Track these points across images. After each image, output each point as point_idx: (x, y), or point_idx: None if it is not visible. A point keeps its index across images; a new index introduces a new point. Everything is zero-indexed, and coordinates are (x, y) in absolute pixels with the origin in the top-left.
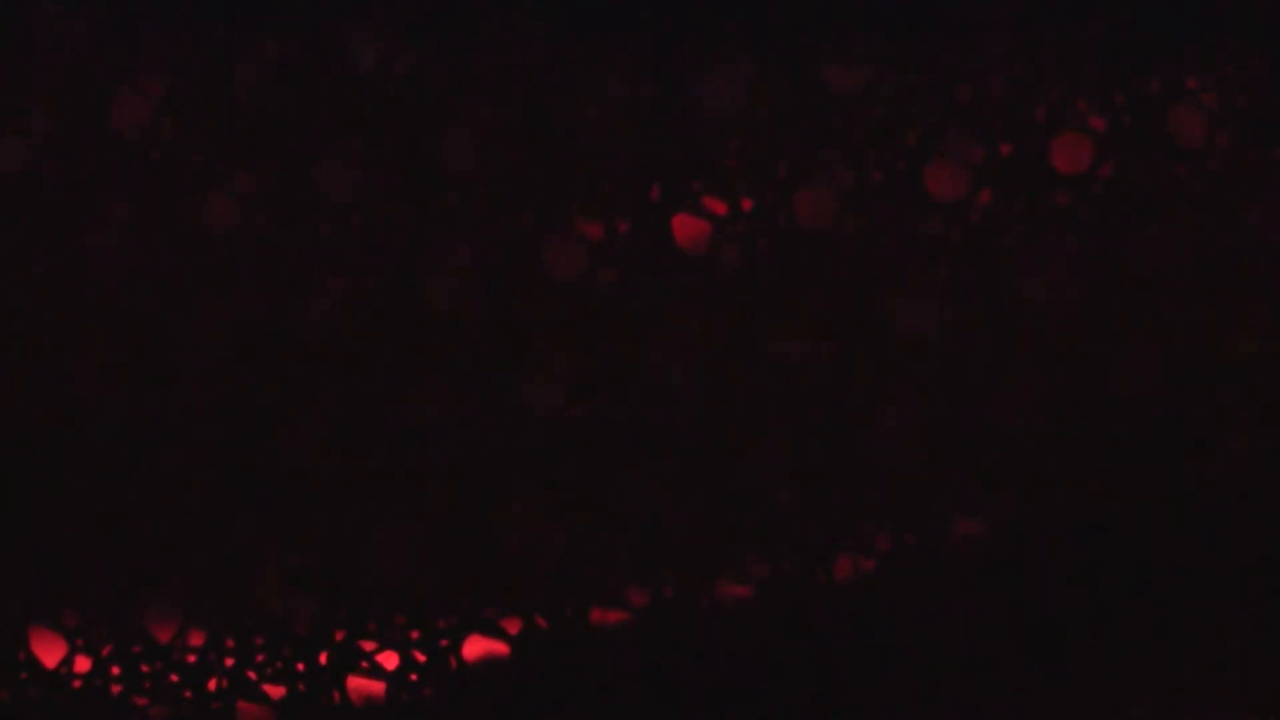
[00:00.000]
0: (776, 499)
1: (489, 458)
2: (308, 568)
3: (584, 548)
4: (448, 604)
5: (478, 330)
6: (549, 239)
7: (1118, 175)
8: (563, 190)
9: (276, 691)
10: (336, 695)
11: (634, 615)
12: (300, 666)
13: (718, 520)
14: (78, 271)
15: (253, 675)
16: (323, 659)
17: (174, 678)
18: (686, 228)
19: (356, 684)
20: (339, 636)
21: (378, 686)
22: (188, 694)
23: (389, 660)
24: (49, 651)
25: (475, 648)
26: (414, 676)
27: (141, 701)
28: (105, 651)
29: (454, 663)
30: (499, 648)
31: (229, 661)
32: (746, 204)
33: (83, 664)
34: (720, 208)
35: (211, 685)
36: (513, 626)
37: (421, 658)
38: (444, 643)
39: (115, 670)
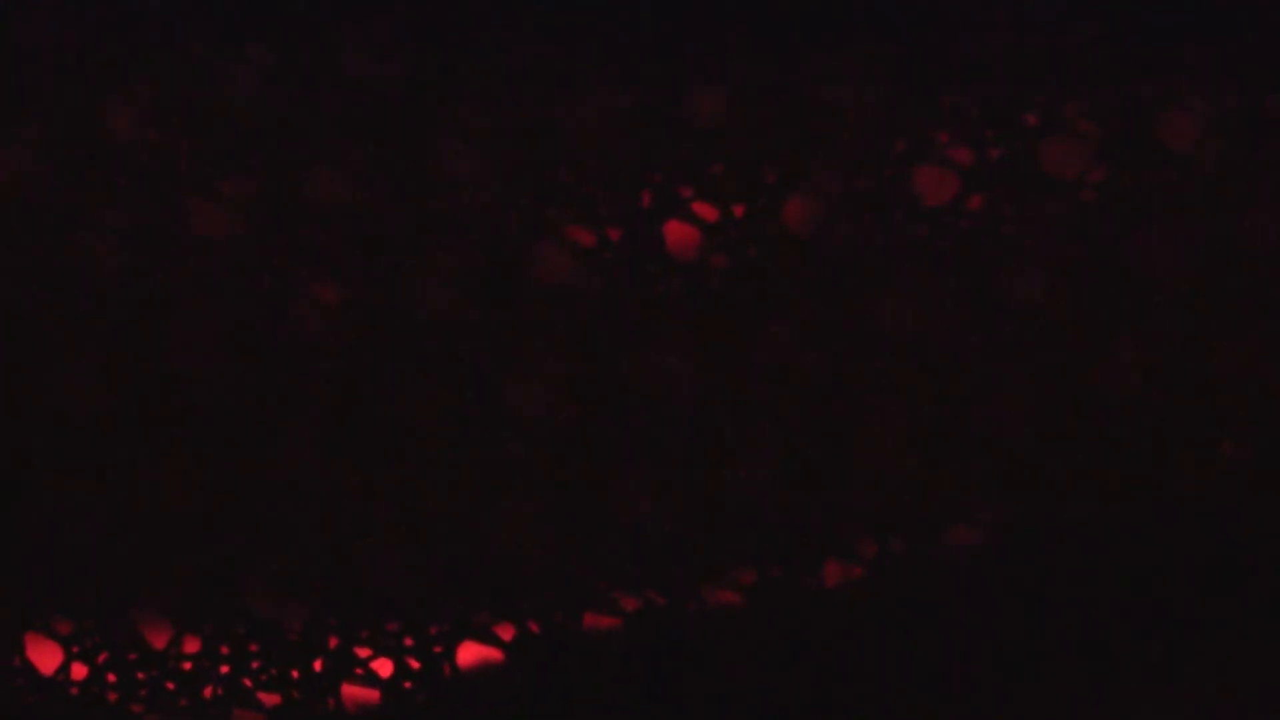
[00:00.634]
0: (766, 505)
1: (480, 463)
2: (301, 575)
3: (575, 553)
4: (441, 610)
5: (468, 336)
6: (539, 245)
7: (1109, 180)
8: (553, 197)
9: (271, 699)
10: (331, 702)
11: (626, 621)
12: (294, 674)
13: (708, 526)
14: (69, 277)
15: (248, 683)
16: (317, 666)
17: (169, 685)
18: (677, 234)
19: (351, 691)
20: (333, 644)
21: (372, 694)
22: (183, 701)
23: (383, 667)
24: (45, 659)
25: (469, 654)
26: (408, 683)
27: (137, 709)
28: (101, 659)
29: (448, 669)
30: (493, 654)
31: (224, 669)
32: (738, 210)
33: (79, 671)
34: (711, 214)
35: (207, 693)
36: (506, 632)
37: (415, 664)
38: (438, 649)
39: (111, 678)
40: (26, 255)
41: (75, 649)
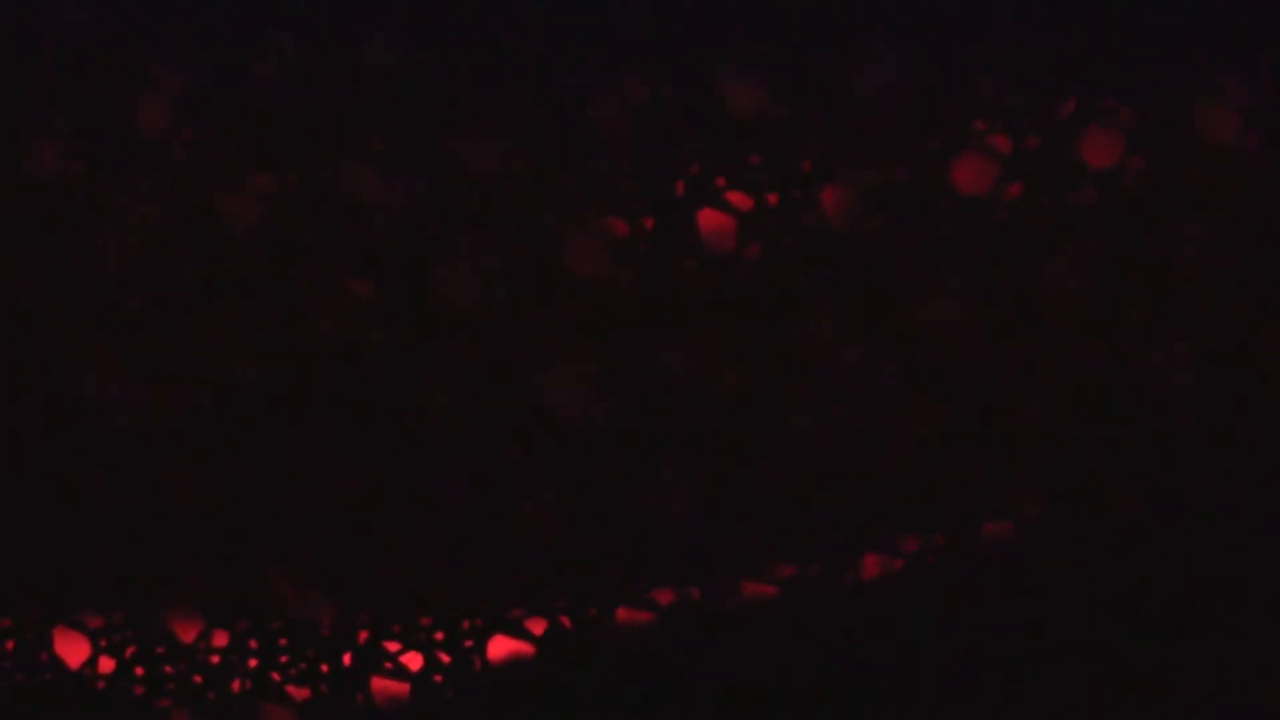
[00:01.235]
0: (802, 499)
1: (513, 457)
2: (331, 569)
3: (609, 548)
4: (472, 605)
5: (499, 329)
6: (571, 237)
7: (1148, 170)
8: (585, 188)
9: (300, 693)
10: (360, 697)
11: (659, 616)
12: (324, 668)
13: (743, 520)
14: (97, 272)
15: (276, 677)
16: (346, 660)
17: (197, 679)
18: (711, 225)
19: (380, 685)
20: (362, 638)
21: (402, 688)
22: (210, 695)
23: (413, 661)
24: (72, 652)
25: (500, 648)
26: (438, 678)
27: (165, 703)
28: (129, 653)
29: (478, 664)
30: (524, 648)
31: (252, 663)
32: (772, 199)
33: (106, 665)
34: (745, 204)
35: (235, 687)
36: (537, 627)
37: (446, 659)
38: (468, 643)
39: (139, 671)
40: (55, 249)
41: (103, 643)
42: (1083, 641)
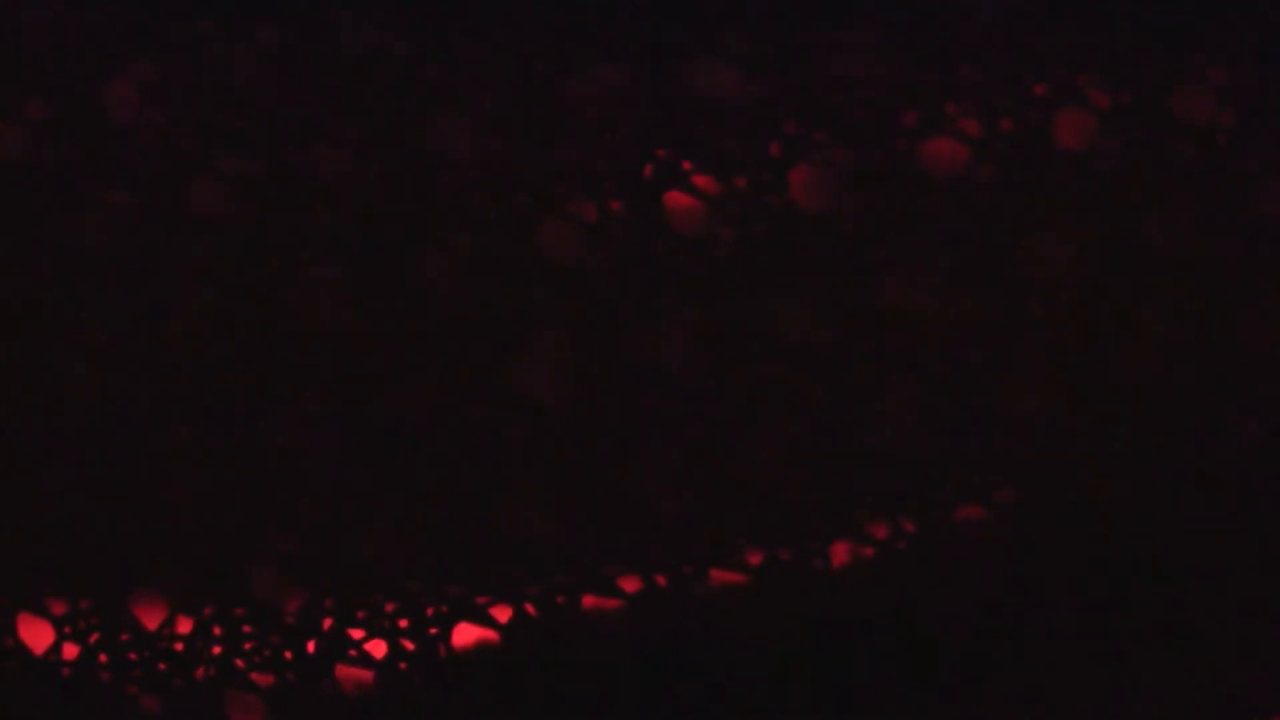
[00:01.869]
0: (773, 485)
1: (481, 443)
2: (296, 555)
3: (576, 535)
4: (437, 592)
5: (472, 315)
6: (543, 221)
7: (1122, 152)
8: (556, 172)
9: (265, 680)
10: (325, 684)
11: (627, 603)
12: (288, 655)
13: (713, 506)
14: (69, 257)
15: (241, 664)
16: (311, 647)
17: (162, 666)
18: (681, 210)
19: (346, 672)
20: (327, 625)
21: (367, 675)
22: (176, 682)
23: (378, 649)
24: (38, 639)
25: (465, 636)
26: (403, 665)
27: (131, 690)
28: (93, 639)
29: (444, 651)
30: (490, 636)
31: (217, 650)
32: (740, 182)
33: (71, 651)
34: (713, 186)
35: (200, 674)
36: (503, 615)
37: (411, 646)
38: (434, 631)
39: (103, 658)
40: (27, 235)
41: (68, 629)
42: (1055, 629)
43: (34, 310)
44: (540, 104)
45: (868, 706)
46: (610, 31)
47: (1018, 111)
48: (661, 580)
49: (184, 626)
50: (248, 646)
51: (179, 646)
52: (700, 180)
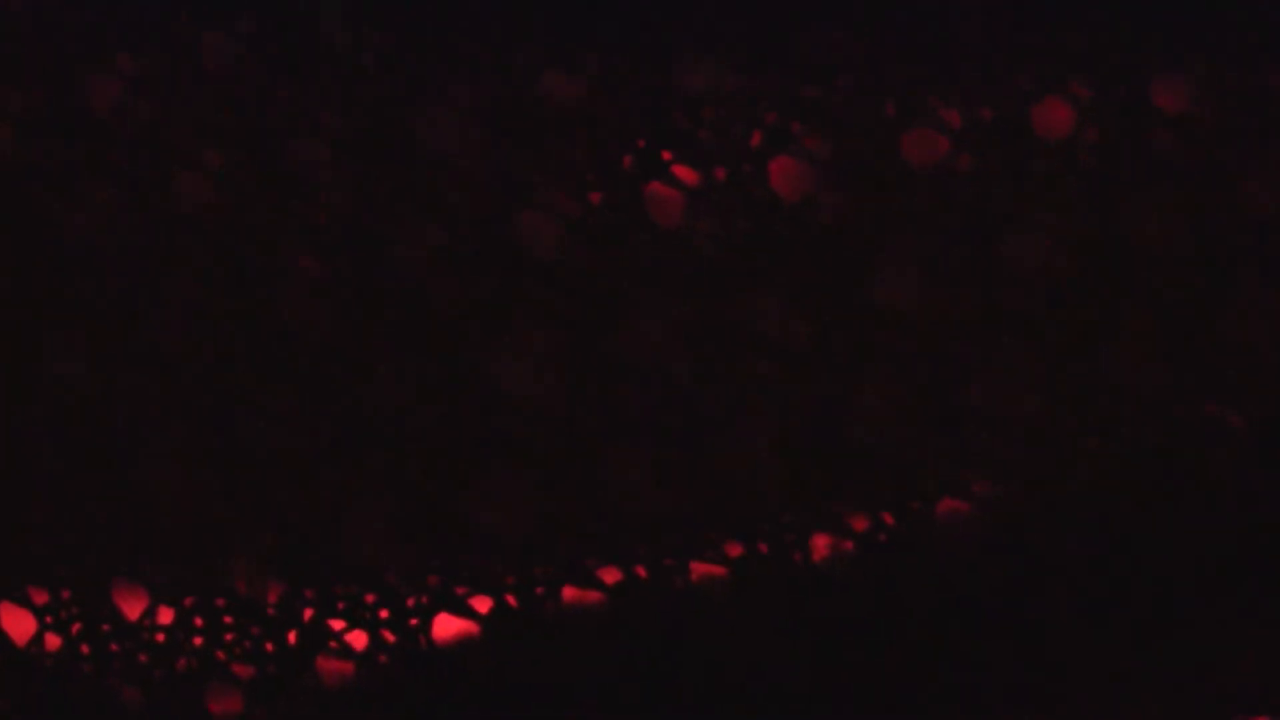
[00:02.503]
0: (753, 477)
1: (461, 435)
2: (277, 547)
3: (556, 526)
4: (418, 583)
5: (451, 307)
6: (522, 213)
7: (1103, 143)
8: (535, 163)
9: (245, 671)
10: (306, 675)
11: (607, 595)
12: (269, 646)
13: (693, 499)
14: (52, 250)
15: (222, 655)
16: (292, 639)
17: (143, 657)
18: (661, 202)
19: (326, 664)
20: (308, 616)
21: (347, 666)
22: (157, 673)
23: (358, 640)
24: (19, 629)
25: (446, 627)
26: (383, 657)
27: (112, 680)
28: (75, 630)
29: (424, 642)
30: (470, 627)
31: (198, 641)
32: (720, 174)
33: (53, 642)
34: (693, 178)
35: (181, 665)
36: (483, 606)
37: (391, 637)
38: (414, 622)
39: (85, 649)
40: (9, 228)
41: (49, 619)
42: (1036, 621)
43: (18, 304)
44: (520, 96)
45: (849, 698)
46: (591, 22)
47: (998, 102)
48: (642, 572)
49: (165, 617)
50: (229, 638)
51: (160, 638)
52: (681, 171)
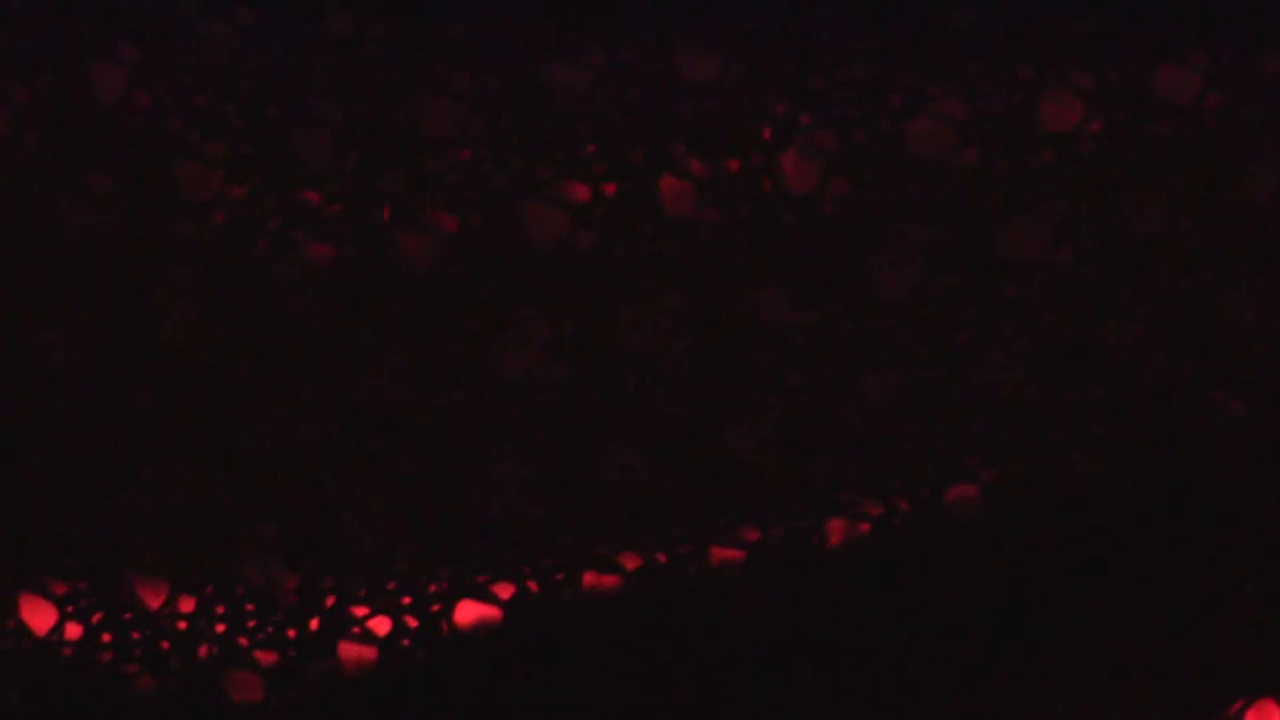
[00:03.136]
0: (767, 463)
1: (476, 423)
2: (298, 534)
3: (575, 513)
4: (439, 569)
5: (459, 295)
6: (529, 203)
7: (1106, 133)
8: (544, 154)
9: (267, 658)
10: (327, 662)
11: (626, 580)
12: (290, 633)
13: (709, 485)
14: (57, 240)
15: (243, 642)
16: (313, 625)
17: (164, 645)
18: (671, 191)
19: (348, 650)
20: (329, 603)
21: (369, 652)
22: (177, 662)
23: (380, 626)
24: (40, 619)
25: (467, 613)
26: (405, 642)
27: (131, 669)
28: (95, 619)
29: (445, 628)
30: (491, 613)
31: (219, 628)
32: (732, 165)
33: (73, 631)
34: (705, 170)
35: (202, 653)
36: (505, 591)
37: (413, 623)
38: (435, 608)
39: (105, 638)
40: (13, 218)
41: (69, 609)
42: (1045, 607)
43: (22, 292)
44: (531, 85)
45: (863, 682)
46: (603, 14)
47: (1002, 93)
48: (661, 557)
49: (185, 606)
50: (250, 625)
51: (181, 626)
52: (693, 163)
